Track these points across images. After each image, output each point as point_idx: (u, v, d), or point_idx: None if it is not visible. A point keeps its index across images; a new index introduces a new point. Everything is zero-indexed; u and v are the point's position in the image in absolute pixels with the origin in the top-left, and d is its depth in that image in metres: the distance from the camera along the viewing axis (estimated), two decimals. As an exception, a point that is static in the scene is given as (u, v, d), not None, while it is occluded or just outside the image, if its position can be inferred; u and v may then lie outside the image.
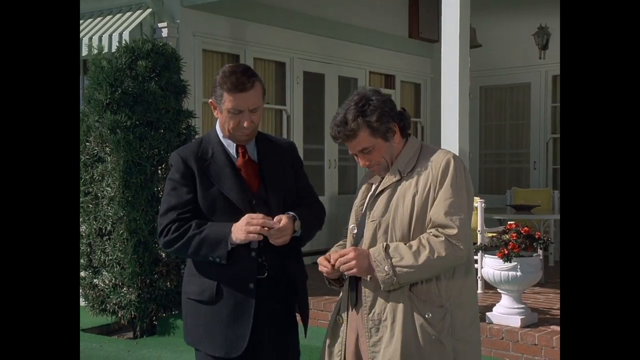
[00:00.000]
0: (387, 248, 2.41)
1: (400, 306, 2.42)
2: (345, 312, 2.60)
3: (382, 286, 2.41)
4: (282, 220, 2.62)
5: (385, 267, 2.37)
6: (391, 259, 2.38)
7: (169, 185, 2.76)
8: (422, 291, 2.44)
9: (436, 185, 2.43)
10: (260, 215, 2.60)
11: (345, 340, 2.59)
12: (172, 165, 2.78)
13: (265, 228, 2.59)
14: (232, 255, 2.64)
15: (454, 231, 2.37)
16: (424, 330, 2.42)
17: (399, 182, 2.48)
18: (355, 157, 2.58)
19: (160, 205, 2.79)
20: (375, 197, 2.53)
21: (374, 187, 2.60)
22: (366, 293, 2.49)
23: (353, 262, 2.43)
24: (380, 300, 2.46)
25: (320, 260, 2.56)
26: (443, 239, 2.37)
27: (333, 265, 2.51)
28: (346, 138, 2.49)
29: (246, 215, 2.61)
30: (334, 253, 2.54)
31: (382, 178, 2.56)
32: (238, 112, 2.67)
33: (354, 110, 2.46)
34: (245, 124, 2.68)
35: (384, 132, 2.47)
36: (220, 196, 2.70)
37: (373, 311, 2.46)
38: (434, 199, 2.43)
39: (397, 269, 2.36)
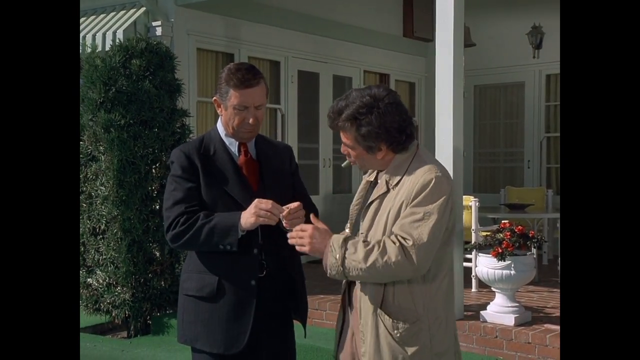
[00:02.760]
0: (347, 239, 2.37)
1: (371, 324, 2.39)
2: (343, 309, 2.62)
3: (328, 271, 2.38)
4: (296, 203, 2.62)
5: (337, 255, 2.33)
6: (346, 250, 2.33)
7: (172, 181, 2.76)
8: (394, 307, 2.37)
9: (408, 203, 2.34)
10: (270, 201, 2.60)
11: (341, 335, 2.61)
12: (174, 162, 2.78)
13: (278, 214, 2.58)
14: (241, 243, 2.64)
15: (410, 242, 2.28)
16: (391, 352, 2.36)
17: (385, 194, 2.43)
18: None
19: (165, 201, 2.77)
20: (366, 207, 2.50)
21: (368, 183, 2.58)
22: (355, 299, 2.48)
23: (306, 240, 2.41)
24: (362, 312, 2.43)
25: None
26: (398, 245, 2.29)
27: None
28: (333, 127, 2.48)
29: (255, 200, 2.62)
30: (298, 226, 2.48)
31: (377, 176, 2.54)
32: (244, 109, 2.73)
33: (352, 111, 2.39)
34: (250, 121, 2.74)
35: (366, 146, 2.42)
36: (223, 193, 2.74)
37: (361, 322, 2.44)
38: None
39: (347, 260, 2.31)
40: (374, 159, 2.46)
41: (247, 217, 2.61)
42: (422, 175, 2.36)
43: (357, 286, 2.48)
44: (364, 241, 2.35)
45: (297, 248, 2.46)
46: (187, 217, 2.68)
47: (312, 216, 2.55)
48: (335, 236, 2.40)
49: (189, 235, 2.66)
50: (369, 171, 2.61)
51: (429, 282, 2.39)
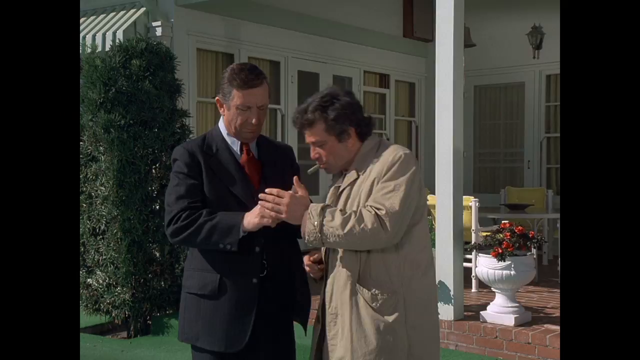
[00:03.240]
0: (325, 207, 2.50)
1: (349, 299, 2.50)
2: (322, 316, 2.69)
3: (305, 237, 2.50)
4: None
5: (315, 222, 2.45)
6: (324, 217, 2.45)
7: (175, 177, 2.76)
8: (371, 281, 2.50)
9: (380, 179, 2.49)
10: (275, 191, 2.56)
11: (320, 334, 2.67)
12: (178, 159, 2.78)
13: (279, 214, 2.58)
14: (241, 244, 2.63)
15: (383, 211, 2.42)
16: (373, 321, 2.48)
17: (355, 181, 2.57)
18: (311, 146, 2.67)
19: (167, 196, 2.77)
20: (338, 196, 2.61)
21: (337, 189, 2.67)
22: (327, 287, 2.58)
23: (283, 208, 2.50)
24: (335, 295, 2.54)
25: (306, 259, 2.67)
26: (373, 213, 2.43)
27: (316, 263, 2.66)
28: (302, 126, 2.60)
29: (260, 202, 2.61)
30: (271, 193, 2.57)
31: (344, 177, 2.64)
32: (246, 109, 2.74)
33: (317, 102, 2.56)
34: (253, 121, 2.76)
35: (338, 132, 2.56)
36: (226, 191, 2.74)
37: (332, 305, 2.55)
38: None
39: (325, 227, 2.44)
40: (345, 150, 2.59)
41: (251, 218, 2.61)
42: (391, 154, 2.53)
43: (330, 278, 2.57)
44: (340, 210, 2.48)
45: (273, 215, 2.53)
46: (189, 212, 2.67)
47: (295, 179, 2.62)
48: (313, 205, 2.51)
49: (189, 232, 2.66)
50: (336, 178, 2.70)
51: (402, 257, 2.51)
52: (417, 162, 2.55)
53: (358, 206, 2.50)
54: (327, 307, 2.57)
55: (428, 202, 6.73)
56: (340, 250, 2.53)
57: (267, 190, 2.56)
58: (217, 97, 2.82)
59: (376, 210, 2.43)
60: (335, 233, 2.42)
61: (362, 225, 2.40)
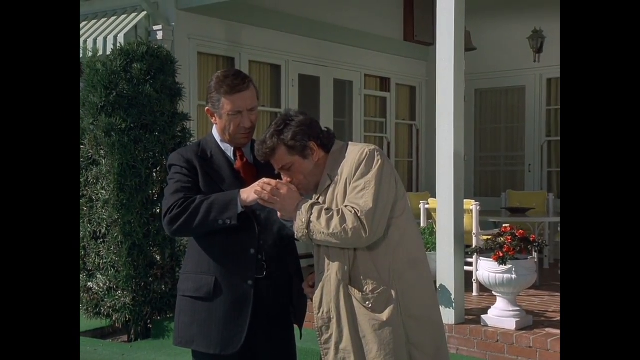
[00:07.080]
0: (314, 204, 2.55)
1: (342, 302, 2.54)
2: None
3: (296, 234, 2.56)
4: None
5: (303, 219, 2.52)
6: (311, 214, 2.51)
7: (173, 177, 2.78)
8: (361, 280, 2.53)
9: (351, 180, 2.54)
10: (274, 182, 2.61)
11: None
12: (175, 164, 2.80)
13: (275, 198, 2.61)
14: (241, 220, 2.64)
15: (359, 210, 2.48)
16: (369, 320, 2.51)
17: (329, 186, 2.61)
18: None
19: (165, 194, 2.78)
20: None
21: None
22: (315, 292, 2.61)
23: (279, 197, 2.57)
24: (326, 299, 2.57)
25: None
26: (353, 212, 2.48)
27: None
28: (265, 156, 2.64)
29: (261, 179, 2.64)
30: (272, 182, 2.61)
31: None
32: (237, 113, 2.78)
33: (273, 129, 2.62)
34: (246, 125, 2.79)
35: (300, 150, 2.60)
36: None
37: (321, 310, 2.58)
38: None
39: (312, 224, 2.51)
40: (313, 165, 2.63)
41: (250, 193, 2.63)
42: (357, 153, 2.58)
43: (319, 283, 2.59)
44: (326, 209, 2.53)
45: (267, 204, 2.58)
46: (184, 200, 2.68)
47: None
48: (304, 201, 2.57)
49: (186, 215, 2.65)
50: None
51: (389, 251, 2.54)
52: (384, 156, 2.59)
53: (337, 206, 2.55)
54: (316, 311, 2.59)
55: (429, 206, 6.76)
56: (328, 252, 2.56)
57: (266, 180, 2.60)
58: (207, 108, 2.87)
59: (355, 210, 2.48)
60: (320, 230, 2.49)
61: (344, 225, 2.46)
